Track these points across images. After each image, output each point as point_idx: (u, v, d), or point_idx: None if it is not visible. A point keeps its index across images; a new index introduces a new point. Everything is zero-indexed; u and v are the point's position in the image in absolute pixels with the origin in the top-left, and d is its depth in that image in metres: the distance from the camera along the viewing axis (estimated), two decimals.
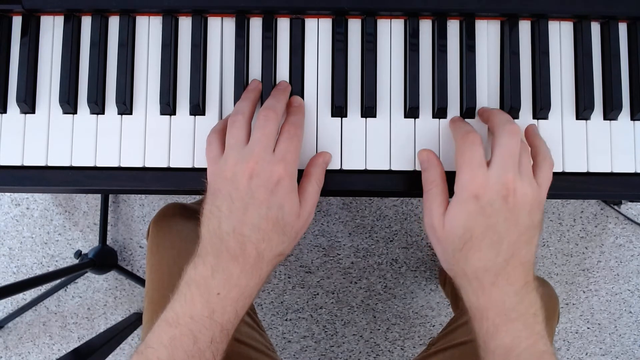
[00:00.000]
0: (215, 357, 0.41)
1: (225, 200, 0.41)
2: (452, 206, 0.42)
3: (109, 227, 1.20)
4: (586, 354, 1.22)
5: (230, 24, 0.49)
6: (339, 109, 0.47)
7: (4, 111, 0.48)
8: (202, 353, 0.40)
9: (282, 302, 1.20)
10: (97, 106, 0.48)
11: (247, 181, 0.40)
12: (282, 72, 0.48)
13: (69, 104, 0.47)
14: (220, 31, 0.49)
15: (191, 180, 0.48)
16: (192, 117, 0.48)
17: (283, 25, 0.49)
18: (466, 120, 0.48)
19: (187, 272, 0.42)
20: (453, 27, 0.49)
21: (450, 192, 0.44)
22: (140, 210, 1.21)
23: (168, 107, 0.48)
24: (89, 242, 1.21)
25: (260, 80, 0.48)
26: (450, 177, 0.44)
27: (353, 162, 0.48)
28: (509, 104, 0.47)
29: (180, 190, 0.48)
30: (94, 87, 0.47)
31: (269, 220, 0.40)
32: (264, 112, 0.42)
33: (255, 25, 0.49)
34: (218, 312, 0.40)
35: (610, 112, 0.48)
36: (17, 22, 0.49)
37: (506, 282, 0.41)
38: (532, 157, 0.44)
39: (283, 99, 0.45)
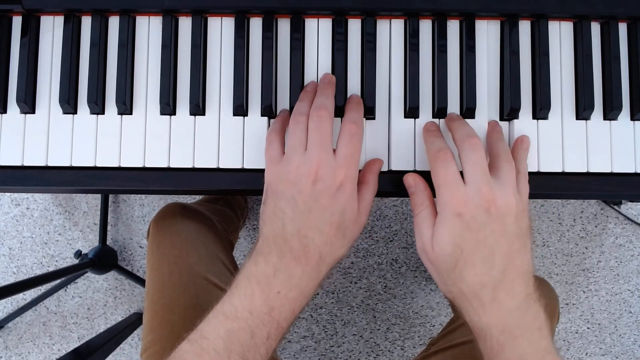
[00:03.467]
0: (268, 353, 0.41)
1: (289, 203, 0.41)
2: (437, 226, 0.41)
3: (109, 227, 1.20)
4: (586, 354, 1.22)
5: (230, 24, 0.49)
6: (338, 109, 0.47)
7: (4, 111, 0.48)
8: (257, 348, 0.40)
9: None
10: (97, 106, 0.48)
11: (311, 185, 0.41)
12: (282, 72, 0.48)
13: (69, 104, 0.47)
14: (220, 31, 0.49)
15: (191, 180, 0.48)
16: (192, 117, 0.48)
17: (283, 25, 0.49)
18: (466, 120, 0.48)
19: (246, 267, 0.42)
20: (453, 27, 0.49)
21: None
22: (140, 210, 1.21)
23: (168, 107, 0.48)
24: (89, 242, 1.21)
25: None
26: None
27: None
28: (509, 104, 0.47)
29: (180, 190, 0.48)
30: (94, 87, 0.47)
31: (332, 224, 0.41)
32: (317, 112, 0.42)
33: (255, 25, 0.49)
34: (277, 309, 0.41)
35: (610, 112, 0.48)
36: (17, 22, 0.49)
37: (506, 295, 0.40)
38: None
39: (331, 94, 0.45)
